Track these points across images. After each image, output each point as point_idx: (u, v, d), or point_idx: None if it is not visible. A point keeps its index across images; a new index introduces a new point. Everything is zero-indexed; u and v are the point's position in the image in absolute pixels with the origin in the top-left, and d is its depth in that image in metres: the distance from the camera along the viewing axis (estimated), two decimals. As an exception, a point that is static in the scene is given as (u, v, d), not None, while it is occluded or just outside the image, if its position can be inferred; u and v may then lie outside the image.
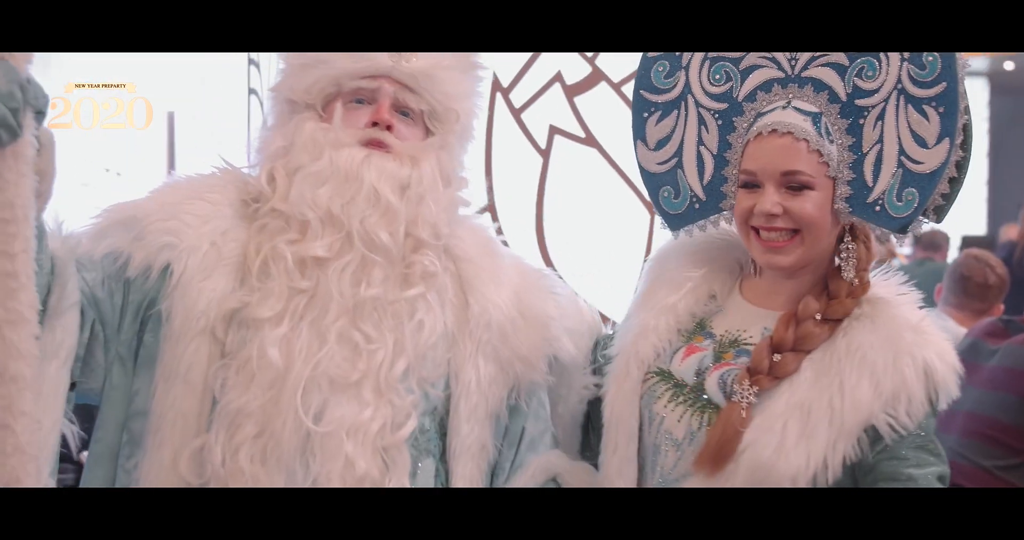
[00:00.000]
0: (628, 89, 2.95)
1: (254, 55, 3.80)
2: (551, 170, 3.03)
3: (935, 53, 1.95)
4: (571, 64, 3.00)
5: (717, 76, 2.13)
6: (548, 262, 2.92)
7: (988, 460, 3.87)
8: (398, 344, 1.96)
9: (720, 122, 2.12)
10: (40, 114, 1.77)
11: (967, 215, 13.51)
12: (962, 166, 2.00)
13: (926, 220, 2.02)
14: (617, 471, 2.09)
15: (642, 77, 2.20)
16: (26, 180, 1.74)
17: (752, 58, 2.10)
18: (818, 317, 2.00)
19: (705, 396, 2.03)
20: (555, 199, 3.03)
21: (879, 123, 2.00)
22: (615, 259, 2.96)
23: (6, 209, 1.73)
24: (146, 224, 1.97)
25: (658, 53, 2.18)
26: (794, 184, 1.98)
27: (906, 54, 1.97)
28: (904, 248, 13.49)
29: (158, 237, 1.96)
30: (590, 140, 3.02)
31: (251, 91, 3.86)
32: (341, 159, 1.97)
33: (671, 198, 2.18)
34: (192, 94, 10.25)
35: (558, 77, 3.01)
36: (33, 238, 1.76)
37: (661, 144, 2.19)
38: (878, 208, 2.00)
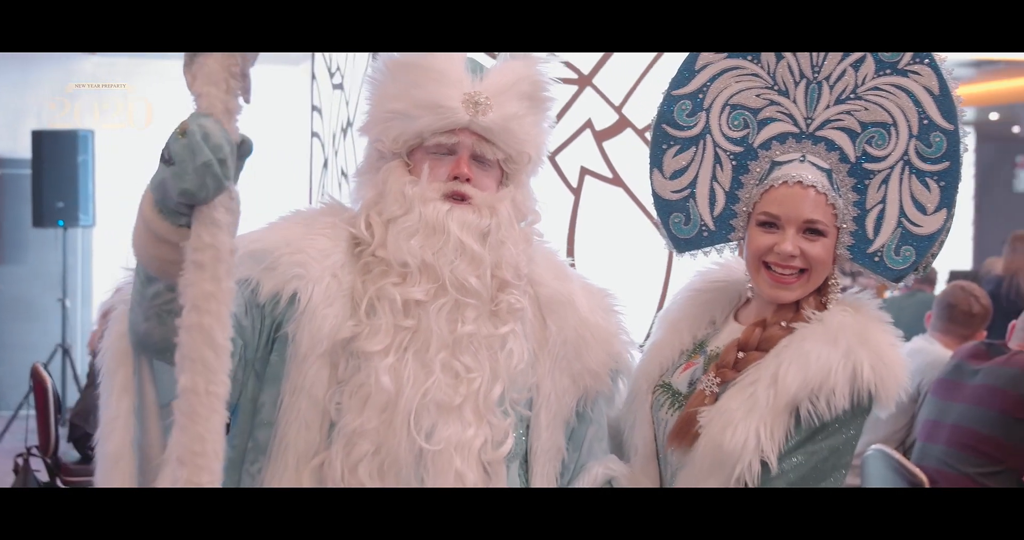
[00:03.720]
0: (651, 135, 3.02)
1: (316, 101, 3.86)
2: (582, 207, 3.09)
3: (941, 134, 2.08)
4: (600, 112, 3.06)
5: (736, 122, 2.21)
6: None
7: (971, 468, 3.94)
8: (494, 371, 2.02)
9: (735, 163, 2.21)
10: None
11: (954, 251, 13.52)
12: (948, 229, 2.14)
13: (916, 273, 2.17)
14: (642, 470, 2.21)
15: (665, 112, 2.27)
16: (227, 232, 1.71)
17: (769, 111, 2.20)
18: (784, 323, 2.10)
19: None
20: (585, 233, 3.09)
21: (883, 186, 2.13)
22: (638, 287, 3.01)
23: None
24: (277, 256, 2.01)
25: (683, 93, 2.25)
26: (812, 230, 2.08)
27: (915, 131, 2.10)
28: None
29: (289, 269, 2.00)
30: (617, 180, 3.08)
31: (313, 134, 3.92)
32: (428, 213, 2.01)
33: (681, 224, 2.28)
34: (255, 138, 10.32)
35: (588, 124, 3.07)
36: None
37: (677, 175, 2.27)
38: (877, 259, 2.13)
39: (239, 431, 2.07)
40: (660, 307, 3.02)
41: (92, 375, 5.61)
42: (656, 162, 2.29)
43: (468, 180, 2.05)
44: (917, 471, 3.90)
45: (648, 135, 2.88)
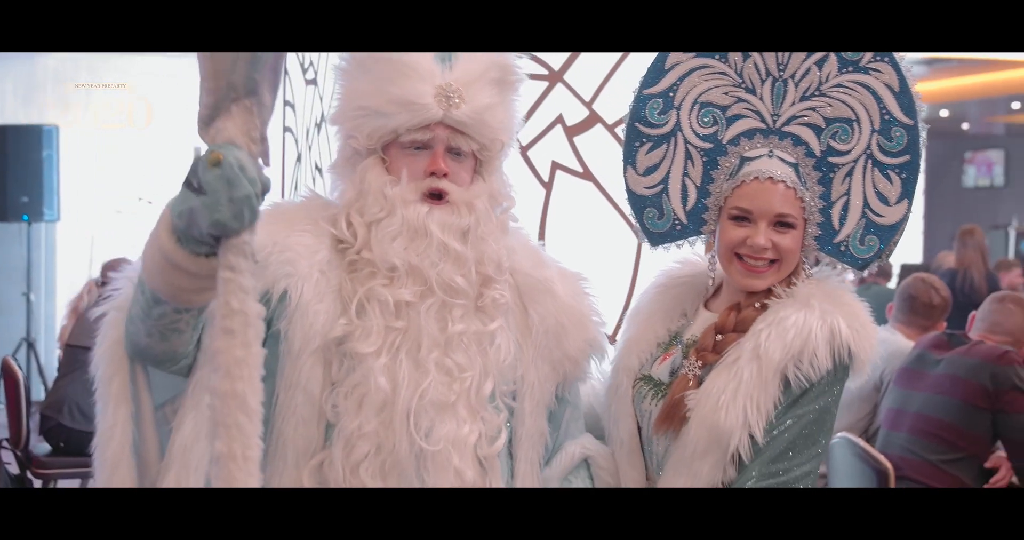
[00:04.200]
0: (620, 130, 3.05)
1: (289, 96, 3.86)
2: (553, 201, 3.12)
3: (902, 128, 2.15)
4: (571, 108, 3.09)
5: (706, 119, 2.26)
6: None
7: (933, 455, 4.01)
8: (485, 367, 2.03)
9: (705, 159, 2.25)
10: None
11: (905, 245, 13.63)
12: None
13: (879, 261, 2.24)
14: (628, 461, 2.24)
15: (637, 111, 2.31)
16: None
17: (737, 108, 2.24)
18: (757, 305, 2.15)
19: None
20: (556, 226, 3.12)
21: (847, 179, 2.19)
22: (607, 278, 3.04)
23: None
24: (266, 255, 1.99)
25: (654, 91, 2.29)
26: (782, 223, 2.13)
27: (876, 126, 2.16)
28: (849, 274, 13.61)
29: (279, 267, 2.00)
30: (587, 175, 3.11)
31: (286, 129, 3.91)
32: (409, 216, 2.01)
33: (655, 218, 2.32)
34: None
35: (559, 119, 3.09)
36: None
37: (649, 171, 2.31)
38: (843, 248, 2.20)
39: None
40: (628, 299, 3.06)
41: (62, 366, 5.60)
42: (629, 159, 2.32)
43: (445, 175, 2.05)
44: (881, 458, 3.95)
45: (618, 130, 2.91)
